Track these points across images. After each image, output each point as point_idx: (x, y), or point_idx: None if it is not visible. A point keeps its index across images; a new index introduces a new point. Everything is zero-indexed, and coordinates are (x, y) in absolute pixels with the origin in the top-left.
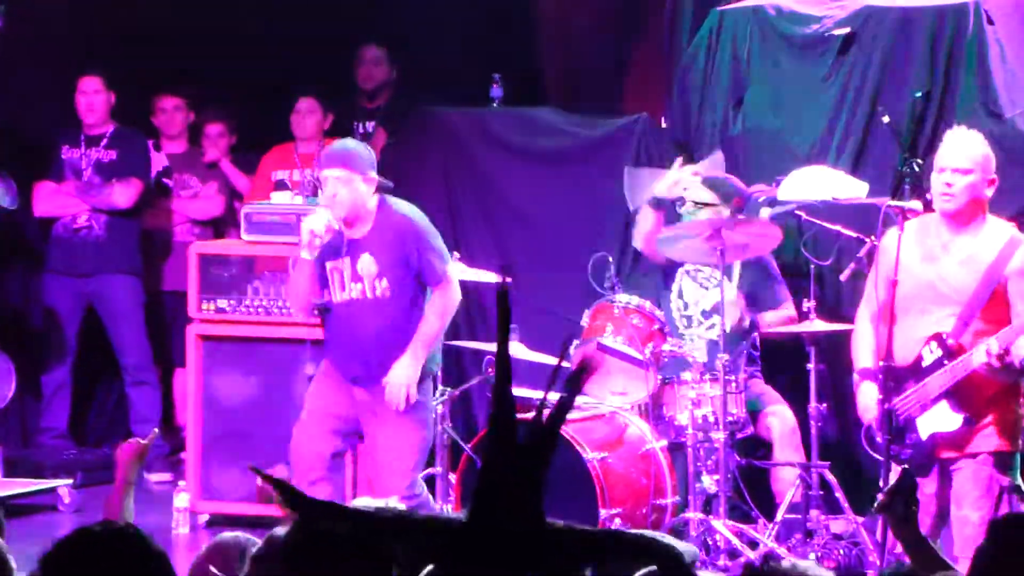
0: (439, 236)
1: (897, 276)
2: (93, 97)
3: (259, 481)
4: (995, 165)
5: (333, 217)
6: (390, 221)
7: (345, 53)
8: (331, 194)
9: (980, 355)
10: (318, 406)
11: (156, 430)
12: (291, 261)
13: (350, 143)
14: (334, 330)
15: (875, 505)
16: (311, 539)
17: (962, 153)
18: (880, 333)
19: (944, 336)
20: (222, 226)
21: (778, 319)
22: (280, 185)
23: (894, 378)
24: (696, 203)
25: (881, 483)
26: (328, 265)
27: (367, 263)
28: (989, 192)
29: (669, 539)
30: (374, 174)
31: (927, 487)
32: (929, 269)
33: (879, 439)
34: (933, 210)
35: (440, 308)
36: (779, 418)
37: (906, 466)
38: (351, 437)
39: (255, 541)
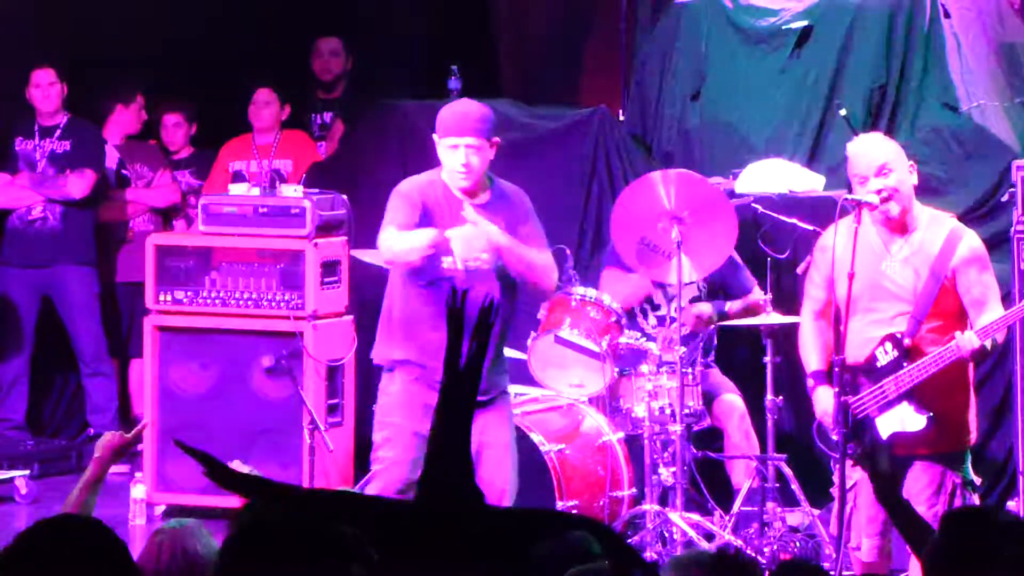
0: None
1: (853, 270)
2: (48, 89)
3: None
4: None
5: (460, 186)
6: (505, 192)
7: (301, 44)
8: (465, 163)
9: (964, 346)
10: (395, 422)
11: (146, 423)
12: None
13: (477, 106)
14: (439, 307)
15: (857, 454)
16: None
17: (879, 154)
18: (829, 330)
19: (899, 336)
20: (172, 217)
21: (745, 305)
22: (238, 176)
23: (849, 376)
24: None
25: (835, 478)
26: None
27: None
28: (915, 179)
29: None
30: (497, 139)
31: None
32: (871, 269)
33: (833, 435)
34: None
35: (544, 260)
36: (729, 406)
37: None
38: None
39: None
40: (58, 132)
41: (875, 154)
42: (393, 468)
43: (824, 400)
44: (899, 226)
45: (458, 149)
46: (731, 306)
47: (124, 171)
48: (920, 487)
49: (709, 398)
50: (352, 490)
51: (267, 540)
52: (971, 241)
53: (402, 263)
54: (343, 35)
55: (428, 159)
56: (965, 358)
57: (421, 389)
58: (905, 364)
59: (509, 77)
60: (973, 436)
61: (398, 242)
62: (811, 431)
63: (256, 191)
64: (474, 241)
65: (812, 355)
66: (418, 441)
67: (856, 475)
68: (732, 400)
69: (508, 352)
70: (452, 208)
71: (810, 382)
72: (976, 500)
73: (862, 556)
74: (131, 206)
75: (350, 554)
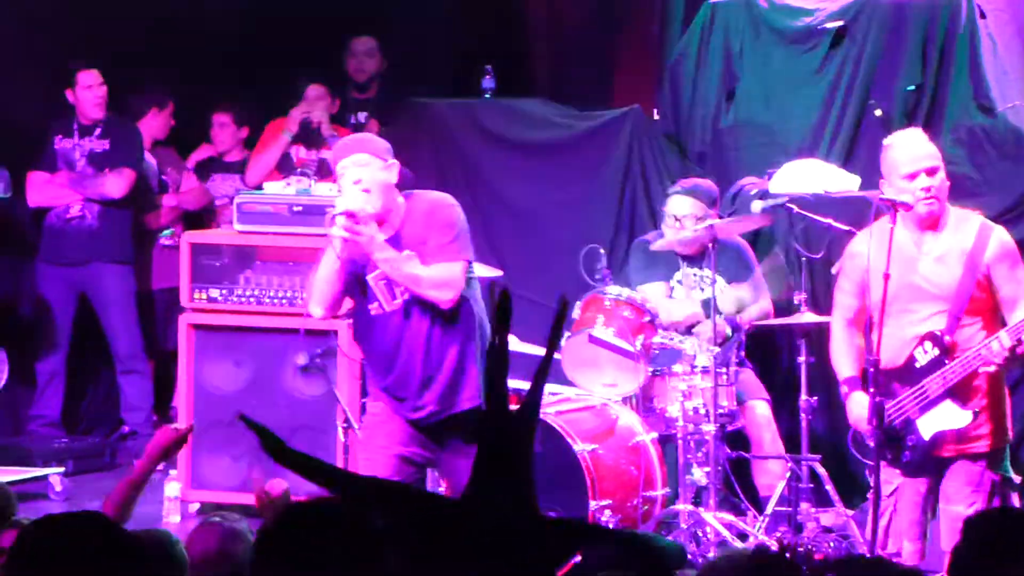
0: (465, 226)
1: (888, 271)
2: (92, 91)
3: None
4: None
5: (368, 205)
6: (420, 211)
7: (335, 44)
8: (354, 180)
9: (995, 349)
10: (379, 443)
11: (192, 425)
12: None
13: (360, 135)
14: (386, 347)
15: None
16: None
17: (926, 152)
18: (861, 336)
19: (939, 334)
20: (208, 221)
21: (757, 314)
22: (285, 158)
23: (883, 381)
24: (676, 217)
25: (872, 482)
26: (370, 278)
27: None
28: (948, 182)
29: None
30: (394, 161)
31: (921, 487)
32: (905, 270)
33: (870, 442)
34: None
35: (439, 271)
36: (755, 412)
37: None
38: (423, 469)
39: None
40: (98, 131)
41: (924, 151)
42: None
43: (859, 407)
44: (930, 225)
45: (346, 170)
46: (742, 317)
47: (163, 176)
48: (960, 485)
49: (738, 401)
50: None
51: (302, 529)
52: (1001, 235)
53: (322, 293)
54: (376, 35)
55: (460, 159)
56: (997, 364)
57: (401, 413)
58: (947, 361)
59: (542, 76)
60: (1011, 433)
61: (316, 270)
62: (845, 431)
63: (291, 190)
64: (348, 203)
65: (845, 362)
66: (400, 464)
67: (896, 480)
68: (757, 405)
69: (537, 350)
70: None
71: (844, 389)
72: (1016, 498)
73: (904, 561)
74: (170, 212)
75: (385, 544)
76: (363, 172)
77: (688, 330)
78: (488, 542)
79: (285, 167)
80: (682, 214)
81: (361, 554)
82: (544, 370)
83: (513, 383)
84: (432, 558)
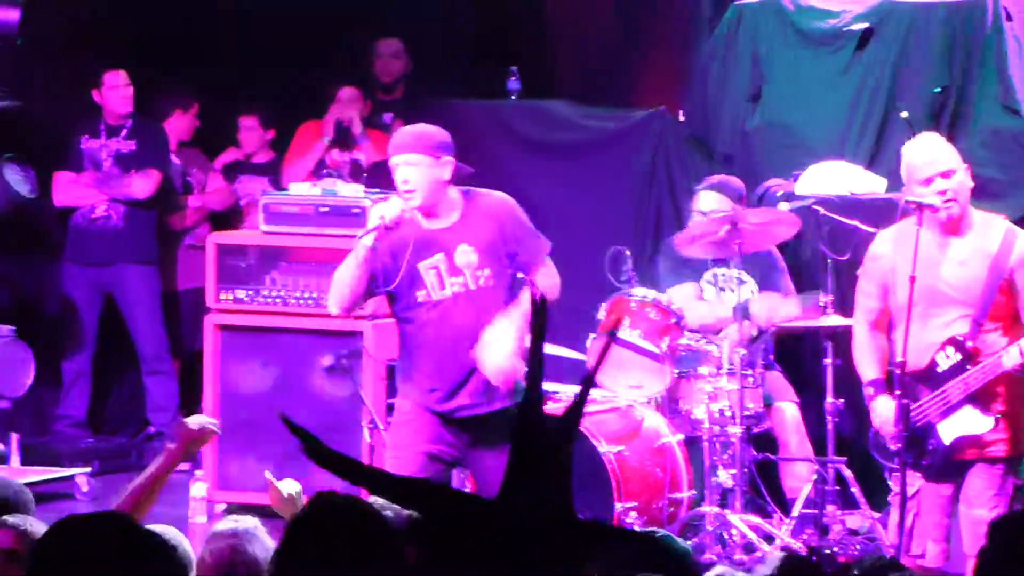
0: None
1: (914, 273)
2: (118, 91)
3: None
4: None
5: (408, 207)
6: (480, 207)
7: (360, 46)
8: (402, 180)
9: (1014, 356)
10: (406, 441)
11: (217, 423)
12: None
13: (419, 126)
14: (432, 336)
15: None
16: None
17: (943, 156)
18: (884, 338)
19: (961, 339)
20: (235, 222)
21: (783, 314)
22: (321, 163)
23: (907, 383)
24: (703, 212)
25: (893, 486)
26: (421, 266)
27: (466, 253)
28: (971, 182)
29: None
30: (449, 158)
31: (943, 491)
32: (927, 273)
33: (891, 446)
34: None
35: (548, 284)
36: (784, 414)
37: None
38: (450, 467)
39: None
40: (124, 132)
41: (939, 156)
42: None
43: (884, 409)
44: (954, 229)
45: (397, 168)
46: (770, 319)
47: (188, 178)
48: (980, 489)
49: (765, 403)
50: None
51: (325, 524)
52: None
53: (344, 291)
54: (401, 36)
55: (486, 160)
56: (1015, 371)
57: (432, 406)
58: (969, 367)
59: (567, 78)
60: None
61: (336, 271)
62: (870, 435)
63: (317, 190)
64: (384, 210)
65: (868, 364)
66: (427, 461)
67: (918, 482)
68: (786, 408)
69: (567, 353)
70: (408, 230)
71: (868, 391)
72: None
73: (927, 563)
74: (195, 212)
75: (405, 540)
76: (411, 172)
77: (718, 331)
78: (520, 543)
79: (318, 170)
80: (708, 209)
81: (381, 550)
82: (590, 380)
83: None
84: (463, 557)
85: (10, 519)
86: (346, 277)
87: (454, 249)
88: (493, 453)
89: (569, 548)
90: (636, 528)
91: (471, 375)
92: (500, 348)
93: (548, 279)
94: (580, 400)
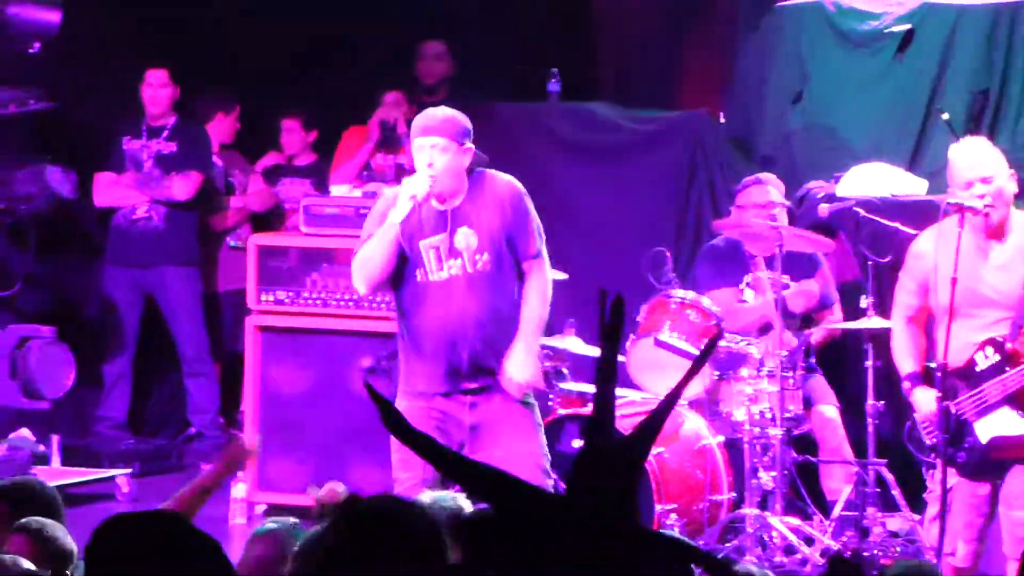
0: (535, 212)
1: (956, 274)
2: (159, 90)
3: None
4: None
5: (431, 188)
6: (485, 190)
7: (403, 48)
8: (427, 163)
9: None
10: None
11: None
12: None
13: (446, 110)
14: (428, 316)
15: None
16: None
17: (984, 161)
18: (922, 335)
19: (1001, 340)
20: (276, 224)
21: (827, 326)
22: (366, 167)
23: (947, 380)
24: (756, 204)
25: (928, 483)
26: (422, 244)
27: (466, 236)
28: (1015, 187)
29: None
30: (470, 145)
31: (980, 490)
32: (969, 275)
33: (928, 440)
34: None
35: (540, 288)
36: (825, 417)
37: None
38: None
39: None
40: (166, 133)
41: (980, 160)
42: (414, 490)
43: (924, 402)
44: (996, 232)
45: (422, 150)
46: (812, 332)
47: (230, 179)
48: (1021, 491)
49: (806, 405)
50: (511, 474)
51: (364, 525)
52: None
53: (375, 270)
54: (443, 38)
55: (526, 161)
56: None
57: (428, 407)
58: (1007, 369)
59: (607, 79)
60: None
61: (363, 249)
62: (907, 428)
63: (358, 192)
64: (415, 188)
65: (906, 358)
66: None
67: (951, 480)
68: (827, 410)
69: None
70: (426, 216)
71: (906, 384)
72: None
73: (957, 562)
74: (236, 214)
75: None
76: (436, 156)
77: (760, 332)
78: (588, 543)
79: (363, 173)
80: (762, 200)
81: (417, 551)
82: (677, 392)
83: (576, 386)
84: (516, 555)
85: (29, 524)
86: (377, 256)
87: (455, 231)
88: (490, 441)
89: (631, 557)
90: (701, 546)
91: (472, 358)
92: (522, 363)
93: (537, 281)
94: (658, 414)
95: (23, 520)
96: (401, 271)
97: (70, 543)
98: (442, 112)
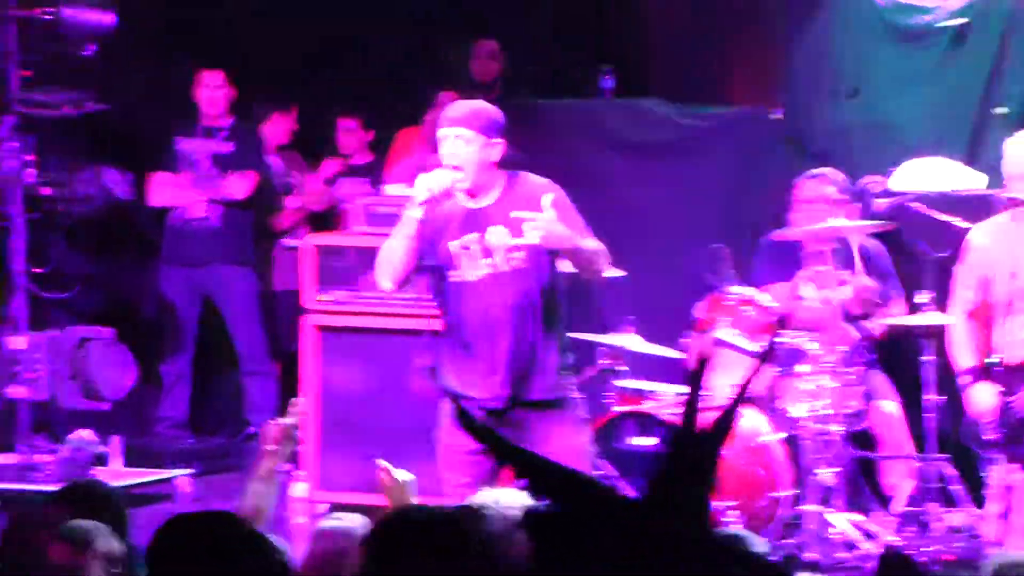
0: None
1: (1015, 268)
2: (216, 91)
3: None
4: None
5: (454, 181)
6: (523, 189)
7: (456, 47)
8: (449, 153)
9: None
10: (449, 442)
11: (299, 402)
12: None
13: (475, 103)
14: (467, 317)
15: None
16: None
17: None
18: (980, 329)
19: None
20: (334, 223)
21: (886, 321)
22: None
23: (1006, 376)
24: (809, 200)
25: (988, 479)
26: (453, 245)
27: (498, 234)
28: None
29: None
30: (499, 139)
31: None
32: None
33: (986, 436)
34: None
35: (596, 244)
36: (885, 412)
37: None
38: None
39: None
40: (222, 134)
41: None
42: (462, 491)
43: (983, 397)
44: None
45: (446, 140)
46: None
47: (288, 179)
48: None
49: (867, 401)
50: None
51: (413, 533)
52: None
53: (395, 264)
54: (496, 36)
55: (581, 159)
56: None
57: (467, 397)
58: None
59: (660, 76)
60: None
61: (384, 245)
62: (964, 425)
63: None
64: (430, 182)
65: (964, 353)
66: (473, 459)
67: (1016, 476)
68: (887, 406)
69: (666, 352)
70: (449, 206)
71: (965, 379)
72: None
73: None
74: (294, 214)
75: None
76: (459, 147)
77: (819, 327)
78: (657, 550)
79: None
80: (814, 195)
81: (463, 560)
82: (737, 402)
83: (635, 383)
84: (588, 557)
85: (74, 528)
86: (396, 250)
87: (488, 229)
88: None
89: (706, 567)
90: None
91: (508, 361)
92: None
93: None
94: (730, 412)
95: (65, 526)
96: (439, 272)
97: (116, 544)
98: (470, 103)
